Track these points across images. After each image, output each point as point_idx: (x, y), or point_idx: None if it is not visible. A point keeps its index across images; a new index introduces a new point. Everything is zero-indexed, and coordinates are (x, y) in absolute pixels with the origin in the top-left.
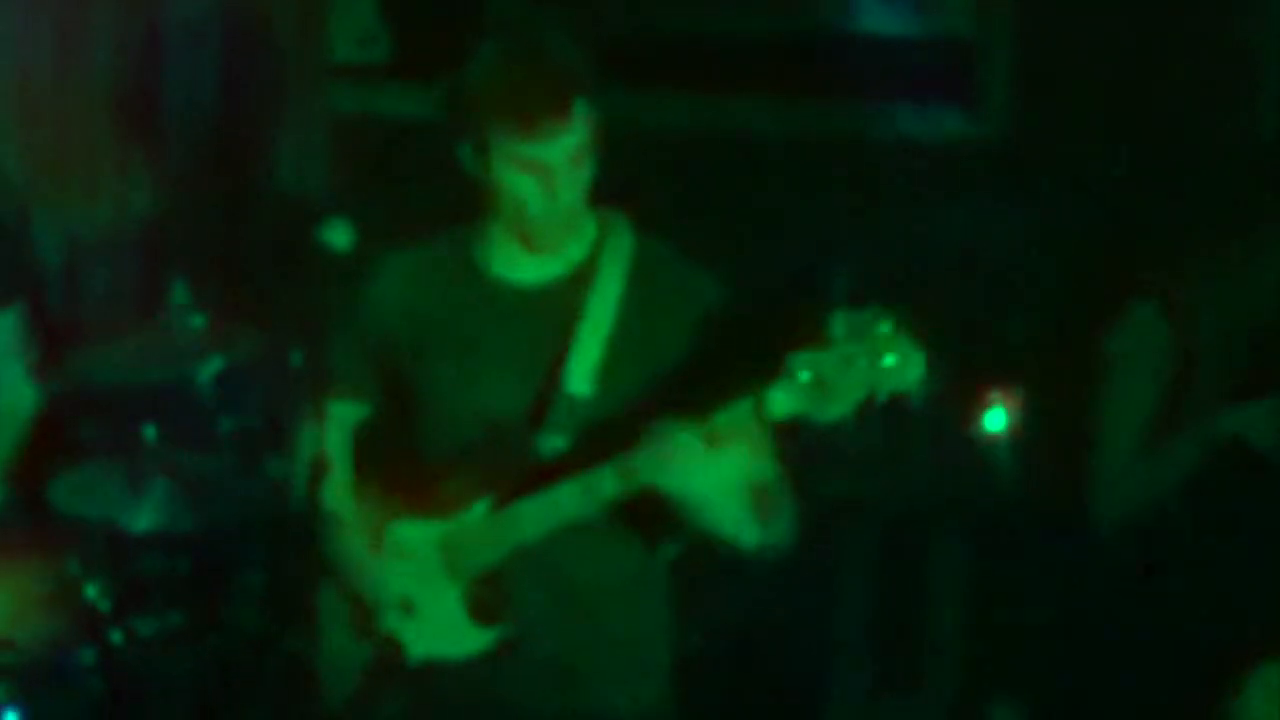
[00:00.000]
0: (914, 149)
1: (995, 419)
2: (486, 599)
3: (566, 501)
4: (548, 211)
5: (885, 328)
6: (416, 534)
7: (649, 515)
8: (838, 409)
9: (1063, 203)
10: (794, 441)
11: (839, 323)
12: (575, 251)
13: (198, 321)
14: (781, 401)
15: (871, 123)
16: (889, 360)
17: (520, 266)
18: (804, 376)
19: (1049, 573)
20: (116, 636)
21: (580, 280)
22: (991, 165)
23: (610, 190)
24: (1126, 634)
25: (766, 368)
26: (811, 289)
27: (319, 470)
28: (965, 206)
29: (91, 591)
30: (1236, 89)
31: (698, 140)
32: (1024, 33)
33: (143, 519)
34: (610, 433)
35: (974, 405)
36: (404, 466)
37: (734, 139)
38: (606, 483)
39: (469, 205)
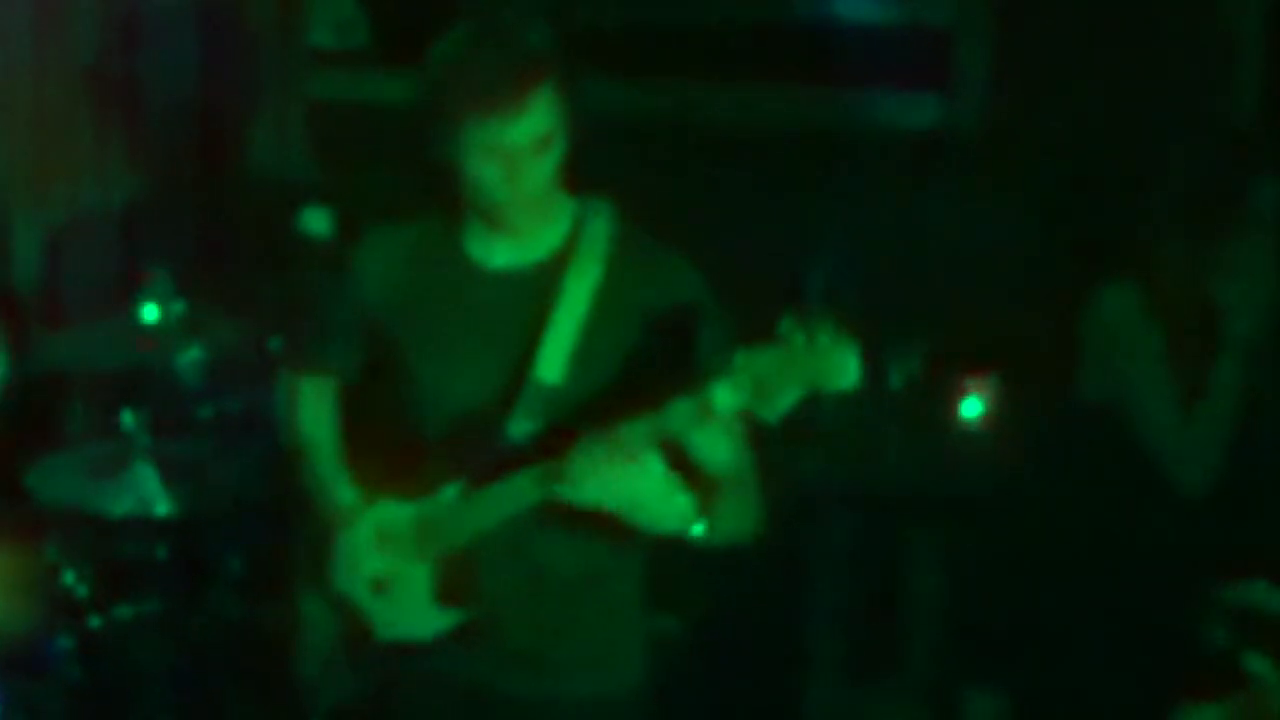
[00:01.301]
0: (891, 137)
1: (972, 406)
2: (453, 581)
3: (517, 494)
4: (510, 197)
5: (826, 328)
6: (394, 514)
7: None
8: (776, 406)
9: (1040, 190)
10: (768, 428)
11: (785, 321)
12: (552, 236)
13: (177, 308)
14: (725, 397)
15: (849, 111)
16: (828, 361)
17: (497, 251)
18: (746, 373)
19: (1024, 559)
20: (95, 623)
21: (556, 265)
22: (968, 153)
23: (587, 180)
24: (1102, 622)
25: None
26: (787, 279)
27: (297, 446)
28: (942, 194)
29: (70, 578)
30: (1213, 75)
31: (673, 129)
32: (1001, 20)
33: (121, 505)
34: (580, 419)
35: (951, 392)
36: (380, 445)
37: (710, 128)
38: (529, 489)
39: (448, 192)
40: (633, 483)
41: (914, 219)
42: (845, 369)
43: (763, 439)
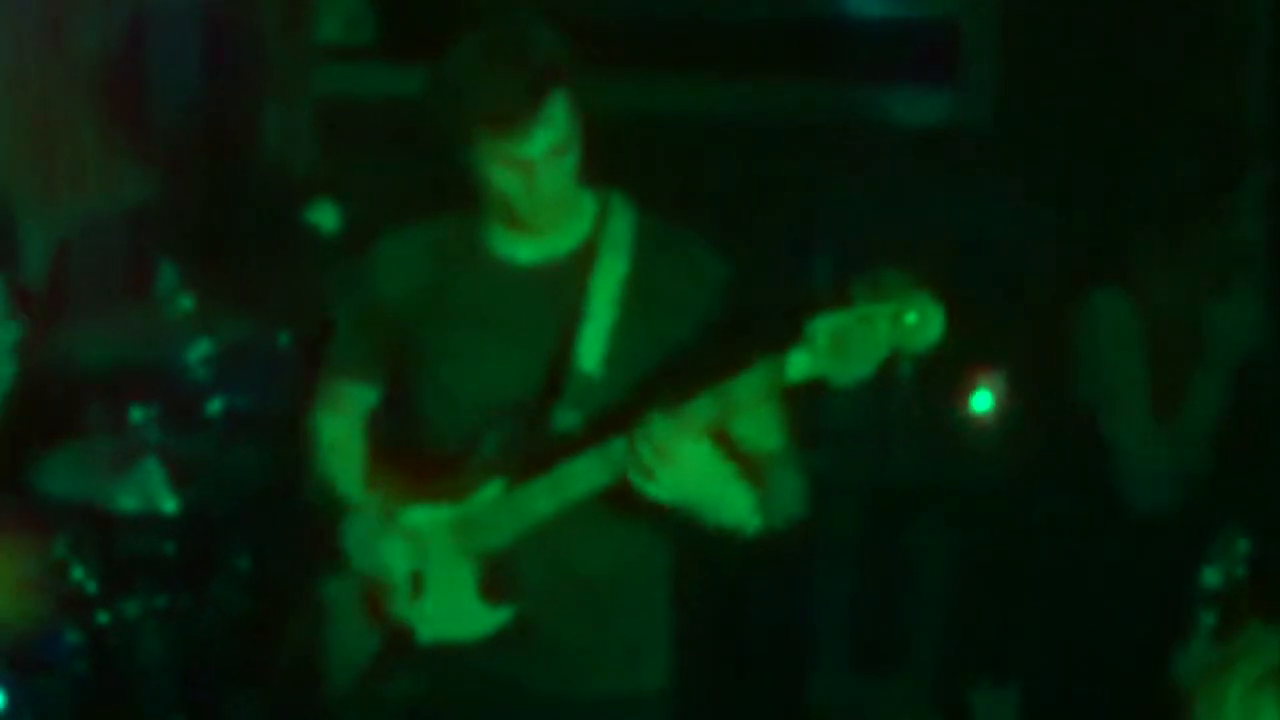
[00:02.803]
0: (900, 131)
1: (981, 400)
2: (499, 579)
3: (581, 477)
4: (532, 203)
5: (905, 286)
6: (426, 517)
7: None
8: (858, 369)
9: (1048, 184)
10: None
11: (858, 284)
12: (576, 230)
13: (186, 303)
14: (800, 364)
15: (858, 105)
16: (910, 318)
17: (521, 246)
18: (824, 339)
19: (1033, 554)
20: (103, 618)
21: (583, 258)
22: (977, 147)
23: (601, 172)
24: (1109, 615)
25: (770, 340)
26: (796, 271)
27: (323, 454)
28: (951, 188)
29: (78, 573)
30: (1221, 70)
31: (684, 123)
32: (1010, 15)
33: (130, 500)
34: (623, 408)
35: (960, 387)
36: (410, 449)
37: (719, 122)
38: (594, 473)
39: (456, 186)
40: (698, 465)
41: (923, 213)
42: (929, 324)
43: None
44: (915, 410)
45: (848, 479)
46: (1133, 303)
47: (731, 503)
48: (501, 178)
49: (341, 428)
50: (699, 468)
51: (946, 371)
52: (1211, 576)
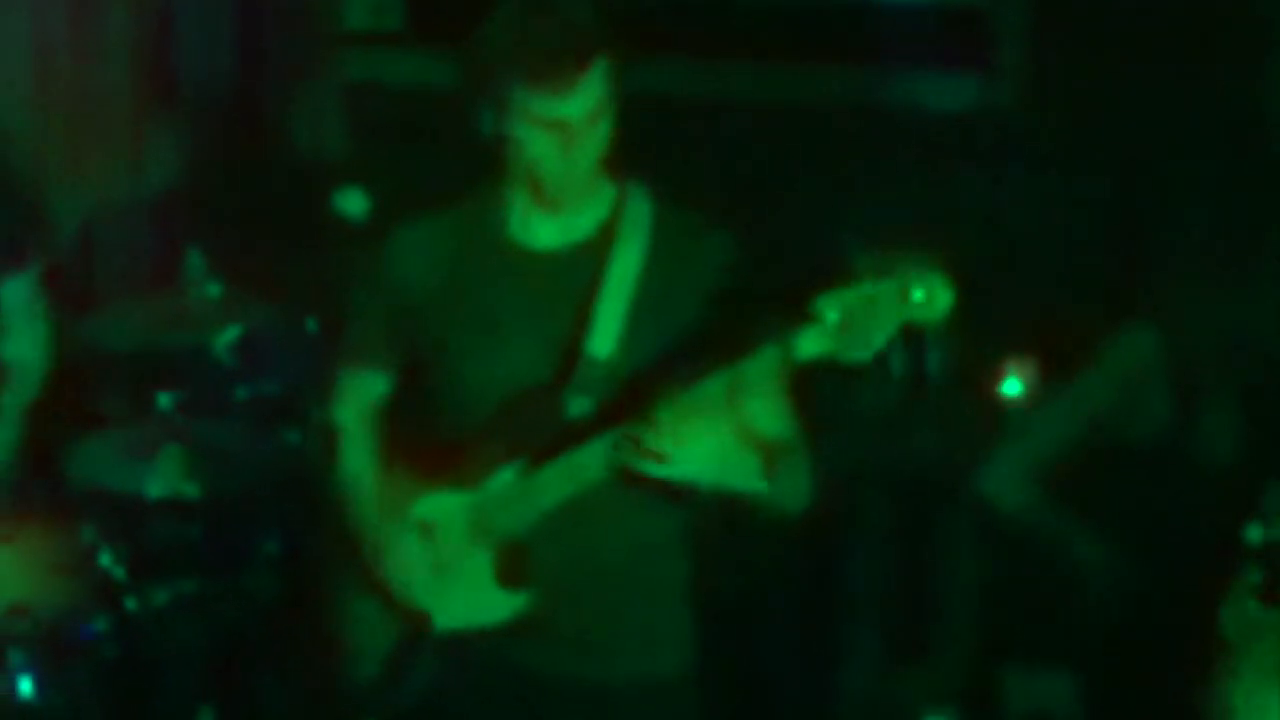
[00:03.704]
0: (929, 117)
1: (1012, 387)
2: (515, 565)
3: (592, 463)
4: (564, 172)
5: (911, 262)
6: (441, 504)
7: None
8: (867, 347)
9: (1077, 170)
10: (808, 406)
11: (863, 262)
12: (594, 216)
13: (214, 290)
14: (809, 343)
15: (887, 90)
16: (917, 294)
17: (539, 231)
18: (832, 317)
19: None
20: (131, 604)
21: (600, 244)
22: (1006, 133)
23: (626, 156)
24: (1134, 603)
25: (782, 322)
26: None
27: (336, 441)
28: (980, 174)
29: (106, 559)
30: (1255, 54)
31: (712, 108)
32: (1038, 2)
33: (158, 486)
34: (636, 394)
35: (989, 373)
36: (423, 437)
37: (749, 106)
38: (606, 456)
39: (483, 172)
40: (710, 439)
41: (951, 199)
42: (936, 299)
43: (800, 419)
44: (944, 397)
45: (877, 466)
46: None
47: (739, 468)
48: (536, 141)
49: (355, 415)
50: (707, 439)
51: (975, 358)
52: (1255, 533)
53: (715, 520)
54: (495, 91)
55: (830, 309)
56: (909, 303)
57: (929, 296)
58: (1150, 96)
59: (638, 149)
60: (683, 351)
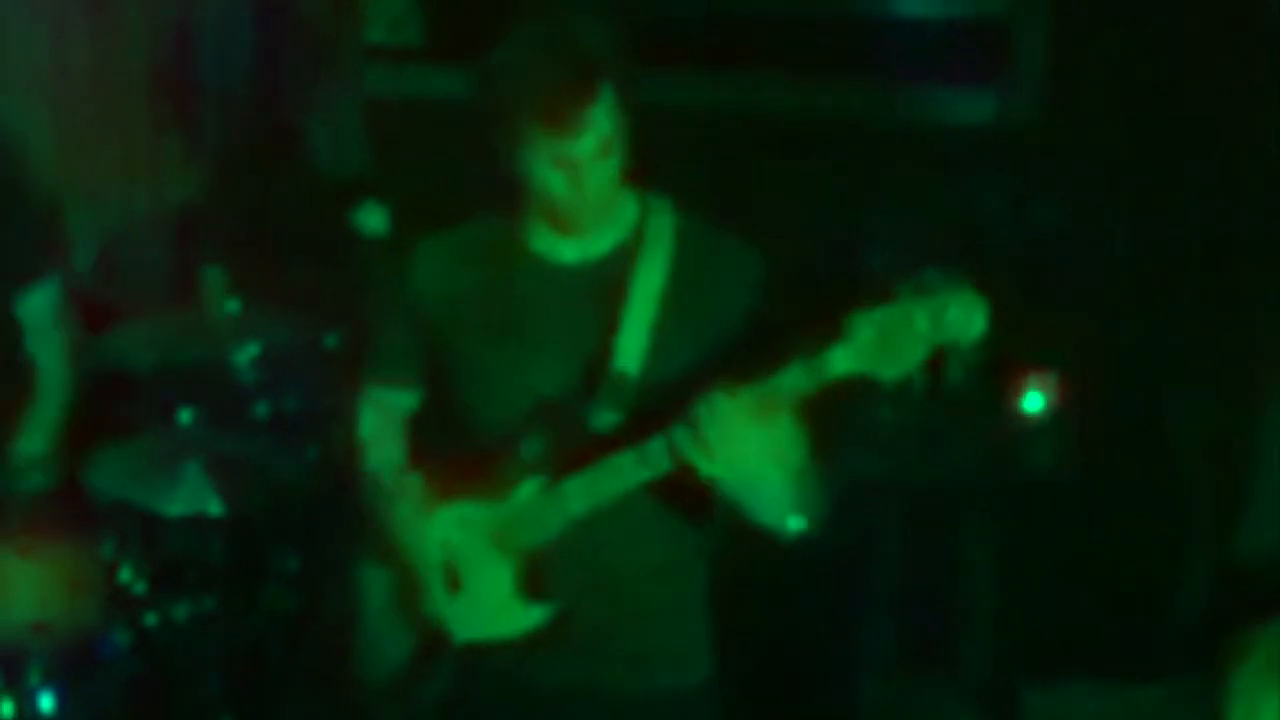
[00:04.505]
0: (947, 131)
1: (1033, 401)
2: (537, 577)
3: (618, 475)
4: (578, 202)
5: (947, 281)
6: (463, 516)
7: (689, 497)
8: (900, 366)
9: (1095, 185)
10: (827, 420)
11: (901, 282)
12: (617, 230)
13: (234, 306)
14: (841, 360)
15: (905, 105)
16: (953, 313)
17: (562, 246)
18: (865, 334)
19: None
20: (151, 619)
21: (624, 258)
22: (1024, 148)
23: (646, 170)
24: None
25: (811, 338)
26: (842, 269)
27: (361, 454)
28: (998, 189)
29: (126, 574)
30: (1273, 73)
31: (730, 122)
32: (1058, 15)
33: (178, 502)
34: (661, 408)
35: (1009, 387)
36: (449, 448)
37: (767, 121)
38: (659, 453)
39: (504, 187)
40: (763, 445)
41: (970, 214)
42: (971, 320)
43: (820, 432)
44: (964, 410)
45: (896, 479)
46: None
47: (775, 495)
48: (548, 177)
49: (378, 429)
50: (754, 449)
51: (995, 371)
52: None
53: (736, 532)
54: (506, 126)
55: (863, 327)
56: (945, 323)
57: (965, 317)
58: (1169, 109)
59: (657, 163)
60: (712, 368)
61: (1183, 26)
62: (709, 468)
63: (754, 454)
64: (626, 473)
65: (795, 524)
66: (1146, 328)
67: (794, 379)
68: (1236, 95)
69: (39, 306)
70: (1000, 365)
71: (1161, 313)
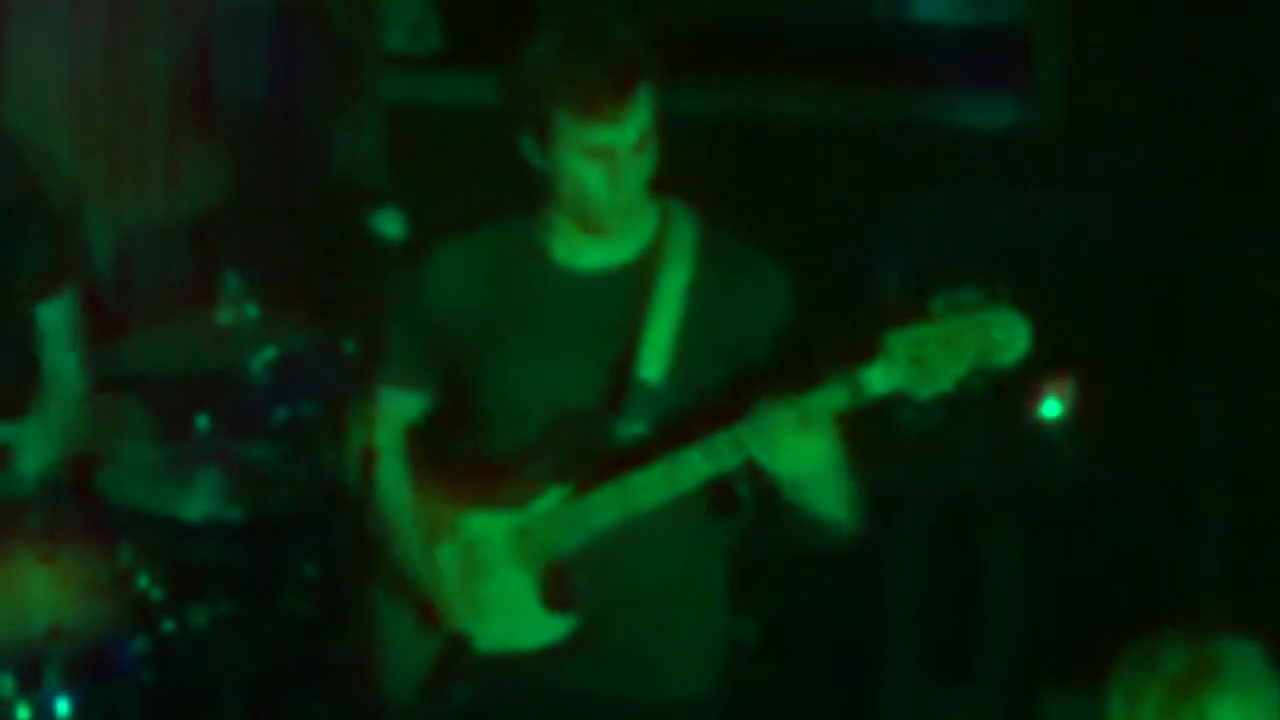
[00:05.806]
0: (968, 137)
1: (1051, 408)
2: (561, 587)
3: (651, 485)
4: (612, 199)
5: (986, 299)
6: (484, 524)
7: (710, 506)
8: (939, 385)
9: (1116, 191)
10: (851, 428)
11: (940, 299)
12: (639, 238)
13: (251, 311)
14: (880, 379)
15: (925, 111)
16: (997, 333)
17: (584, 252)
18: (905, 353)
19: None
20: (169, 626)
21: (646, 266)
22: (1045, 154)
23: (664, 179)
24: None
25: (835, 352)
26: (862, 277)
27: (369, 460)
28: (1019, 195)
29: (144, 581)
30: None
31: (751, 129)
32: (1078, 21)
33: (195, 508)
34: (687, 418)
35: (1029, 393)
36: (470, 457)
37: (787, 127)
38: (725, 452)
39: (523, 193)
40: (813, 454)
41: (990, 219)
42: (1014, 341)
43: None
44: (982, 417)
45: (917, 485)
46: None
47: (831, 495)
48: (582, 170)
49: (395, 435)
50: (809, 451)
51: (1016, 377)
52: None
53: (758, 541)
54: (539, 120)
55: (902, 345)
56: (988, 342)
57: (1008, 338)
58: (1189, 115)
59: (679, 170)
60: (735, 377)
61: (1201, 33)
62: (775, 465)
63: (812, 454)
64: (659, 485)
65: (849, 522)
66: (1165, 333)
67: (834, 397)
68: (1254, 102)
69: (57, 316)
70: (1021, 371)
71: (1179, 318)
